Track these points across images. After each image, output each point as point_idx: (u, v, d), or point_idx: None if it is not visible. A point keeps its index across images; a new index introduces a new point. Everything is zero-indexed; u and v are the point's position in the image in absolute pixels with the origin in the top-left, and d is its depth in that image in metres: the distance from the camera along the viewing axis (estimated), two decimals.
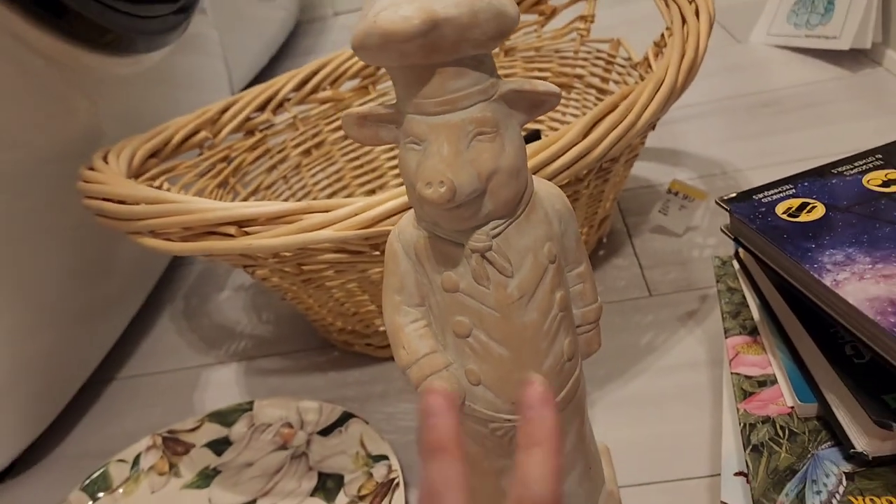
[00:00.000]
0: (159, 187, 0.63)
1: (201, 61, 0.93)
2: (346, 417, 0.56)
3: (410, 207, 0.48)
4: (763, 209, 0.47)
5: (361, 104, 0.80)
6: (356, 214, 0.47)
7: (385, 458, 0.52)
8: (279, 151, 0.76)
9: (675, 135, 0.93)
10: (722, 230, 0.50)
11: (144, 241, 0.51)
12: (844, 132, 0.86)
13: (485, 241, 0.34)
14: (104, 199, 0.52)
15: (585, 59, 0.79)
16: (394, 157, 0.82)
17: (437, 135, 0.32)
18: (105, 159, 0.59)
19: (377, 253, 0.52)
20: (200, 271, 0.85)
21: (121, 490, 0.55)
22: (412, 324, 0.38)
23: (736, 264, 0.55)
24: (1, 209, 0.57)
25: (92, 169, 0.58)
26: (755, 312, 0.51)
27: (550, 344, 0.37)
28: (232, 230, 0.48)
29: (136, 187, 0.52)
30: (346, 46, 1.56)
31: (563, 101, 0.82)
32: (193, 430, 0.59)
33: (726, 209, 0.48)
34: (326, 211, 0.47)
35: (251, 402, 0.59)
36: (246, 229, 0.48)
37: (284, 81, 0.74)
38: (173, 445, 0.58)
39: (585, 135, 0.51)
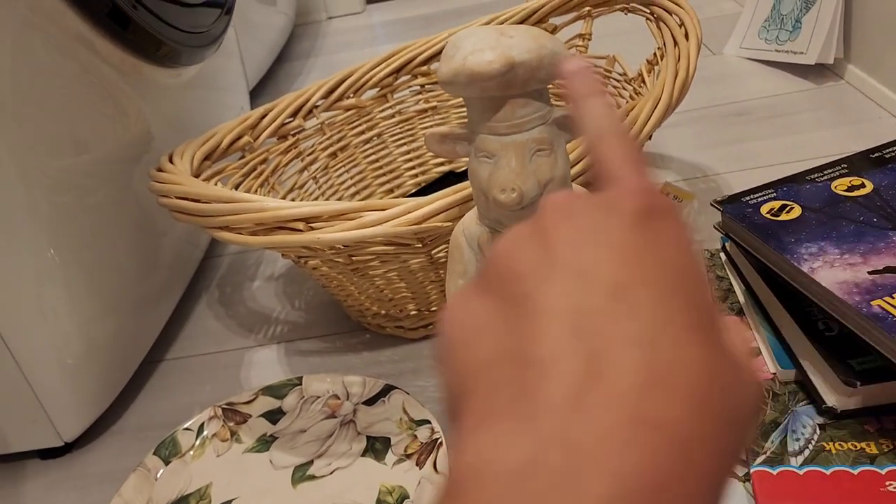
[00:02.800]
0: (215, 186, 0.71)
1: (225, 63, 1.00)
2: (388, 389, 0.64)
3: (453, 207, 0.56)
4: (750, 209, 0.56)
5: (381, 111, 0.88)
6: (408, 213, 0.55)
7: (427, 422, 0.60)
8: (309, 154, 0.83)
9: (658, 141, 1.03)
10: (714, 227, 0.59)
11: (218, 235, 0.58)
12: (809, 140, 0.96)
13: None
14: (180, 198, 0.60)
15: None
16: (409, 160, 0.90)
17: (507, 151, 0.40)
18: (171, 161, 0.66)
19: (420, 245, 0.60)
20: (229, 263, 0.92)
21: (190, 454, 0.63)
22: None
23: (723, 256, 0.64)
24: (74, 207, 0.64)
25: (160, 170, 0.65)
26: (740, 296, 0.60)
27: None
28: (300, 225, 0.56)
29: (208, 187, 0.60)
30: (340, 50, 1.64)
31: None
32: (249, 402, 0.66)
33: (719, 209, 0.57)
34: (383, 209, 0.55)
35: (300, 378, 0.67)
36: (312, 225, 0.56)
37: (314, 90, 0.81)
38: (232, 415, 0.65)
39: None
